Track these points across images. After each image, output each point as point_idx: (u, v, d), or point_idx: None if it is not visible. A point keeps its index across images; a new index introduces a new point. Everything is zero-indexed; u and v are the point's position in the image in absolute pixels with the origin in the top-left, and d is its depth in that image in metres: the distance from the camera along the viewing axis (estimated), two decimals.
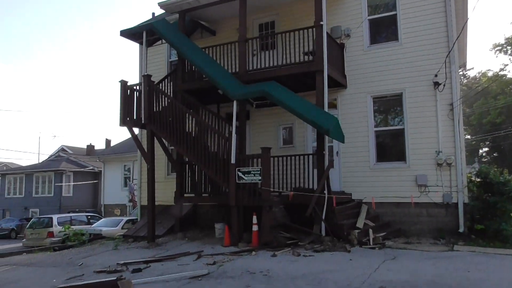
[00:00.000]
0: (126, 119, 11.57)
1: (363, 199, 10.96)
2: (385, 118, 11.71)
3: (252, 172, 9.42)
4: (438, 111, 10.58)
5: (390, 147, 11.51)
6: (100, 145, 40.46)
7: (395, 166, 10.98)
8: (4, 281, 8.22)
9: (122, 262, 8.66)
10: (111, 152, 31.23)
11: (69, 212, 25.16)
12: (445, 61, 10.42)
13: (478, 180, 10.82)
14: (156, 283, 6.79)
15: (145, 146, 11.71)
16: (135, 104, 11.69)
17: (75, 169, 33.60)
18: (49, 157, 37.99)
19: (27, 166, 37.57)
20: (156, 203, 13.28)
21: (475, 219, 10.53)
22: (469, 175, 11.86)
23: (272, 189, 9.89)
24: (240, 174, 9.57)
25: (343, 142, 9.96)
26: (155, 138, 11.61)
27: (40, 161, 39.80)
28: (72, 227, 16.56)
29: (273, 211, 9.26)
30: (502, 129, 30.86)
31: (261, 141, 12.35)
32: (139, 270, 7.88)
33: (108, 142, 37.45)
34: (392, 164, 11.06)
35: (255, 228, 9.47)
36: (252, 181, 9.47)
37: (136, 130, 13.70)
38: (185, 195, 11.94)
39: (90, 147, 39.32)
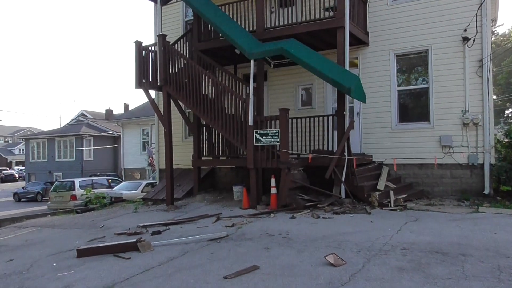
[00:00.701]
0: (142, 81, 11.40)
1: (384, 161, 10.70)
2: (408, 77, 11.20)
3: (270, 134, 9.22)
4: (466, 69, 10.03)
5: (413, 107, 11.07)
6: (119, 110, 40.82)
7: (418, 126, 10.60)
8: (30, 242, 8.44)
9: (142, 224, 8.74)
10: (129, 116, 31.42)
11: (90, 176, 25.74)
12: (476, 13, 9.74)
13: (506, 140, 10.38)
14: (175, 245, 6.81)
15: (161, 109, 11.58)
16: (150, 65, 11.48)
17: (94, 133, 34.08)
18: (69, 122, 38.52)
19: (48, 131, 38.31)
20: (174, 167, 13.33)
21: (501, 180, 10.22)
22: (495, 136, 11.40)
23: (290, 151, 9.71)
24: (257, 136, 9.38)
25: (364, 102, 9.59)
26: (171, 100, 11.44)
27: (61, 126, 40.46)
28: (93, 190, 16.87)
29: (291, 173, 9.11)
30: None
31: (279, 102, 12.07)
32: (159, 232, 7.93)
33: (126, 106, 37.63)
34: (415, 125, 10.68)
35: (273, 190, 9.38)
36: (270, 143, 9.28)
37: (152, 94, 13.59)
38: (203, 158, 11.92)
39: (109, 112, 39.64)
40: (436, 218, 7.76)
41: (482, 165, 9.83)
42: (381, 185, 9.57)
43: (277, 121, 9.36)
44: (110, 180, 21.37)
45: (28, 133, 47.80)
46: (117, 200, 16.28)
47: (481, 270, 4.72)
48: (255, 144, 9.45)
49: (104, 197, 16.24)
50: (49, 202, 19.43)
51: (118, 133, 32.94)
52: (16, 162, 65.00)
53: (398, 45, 10.84)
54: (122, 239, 7.75)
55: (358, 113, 11.23)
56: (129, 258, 6.16)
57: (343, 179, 9.31)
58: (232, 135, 9.90)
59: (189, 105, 10.71)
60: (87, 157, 33.39)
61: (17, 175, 53.97)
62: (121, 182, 21.07)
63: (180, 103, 11.66)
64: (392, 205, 8.85)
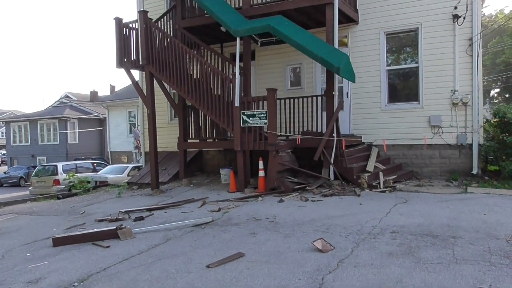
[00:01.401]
0: (123, 60, 10.96)
1: (373, 142, 10.55)
2: (398, 56, 10.95)
3: (257, 115, 8.94)
4: (456, 47, 9.81)
5: (403, 88, 10.87)
6: (105, 92, 39.87)
7: (408, 107, 10.42)
8: (5, 230, 8.10)
9: (124, 210, 8.48)
10: (115, 97, 30.73)
11: (75, 160, 25.24)
12: None
13: (495, 119, 10.27)
14: (157, 231, 6.57)
15: (145, 90, 11.17)
16: (132, 44, 11.00)
17: (79, 116, 33.31)
18: (52, 104, 37.58)
19: (30, 113, 37.32)
20: (160, 149, 13.03)
21: (489, 160, 10.19)
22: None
23: (279, 133, 9.47)
24: (244, 117, 9.10)
25: (354, 81, 9.34)
26: (155, 81, 11.04)
27: (45, 108, 39.49)
28: (77, 174, 16.48)
29: (280, 155, 8.89)
30: None
31: (267, 83, 11.75)
32: (141, 218, 7.68)
33: (112, 88, 36.75)
34: (405, 105, 10.50)
35: (261, 173, 9.17)
36: (258, 125, 9.01)
37: (136, 74, 13.14)
38: (189, 140, 11.61)
39: (94, 93, 38.72)
40: (425, 199, 7.65)
41: (471, 145, 9.73)
42: (370, 166, 9.42)
43: (265, 102, 9.07)
44: (95, 164, 20.93)
45: (11, 115, 46.63)
46: (102, 184, 15.95)
47: (472, 253, 4.60)
48: (242, 125, 9.17)
49: (88, 182, 15.91)
50: (31, 188, 18.98)
51: (103, 116, 32.26)
52: (0, 146, 63.66)
53: (388, 23, 10.55)
54: (102, 226, 7.48)
55: (347, 93, 10.99)
56: (108, 247, 5.91)
57: (332, 161, 9.13)
58: (218, 116, 9.59)
59: (173, 86, 10.33)
60: (71, 140, 32.71)
61: None
62: (107, 165, 20.68)
63: (164, 83, 11.26)
64: (382, 187, 8.72)
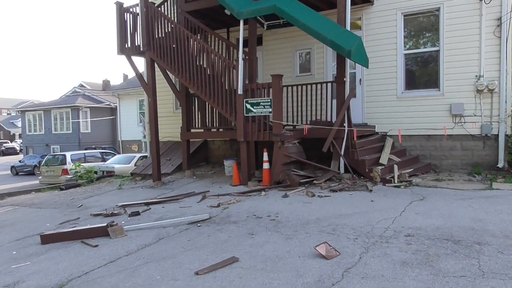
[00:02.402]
0: (124, 46, 10.46)
1: (388, 132, 9.83)
2: (416, 39, 10.10)
3: (261, 103, 8.31)
4: (482, 28, 8.94)
5: (422, 73, 10.06)
6: (119, 81, 39.65)
7: (427, 94, 9.63)
8: (1, 224, 7.75)
9: (122, 204, 8.04)
10: (126, 86, 30.41)
11: (85, 149, 25.08)
12: None
13: None
14: (151, 229, 6.08)
15: (146, 78, 10.63)
16: (133, 29, 10.45)
17: (91, 105, 33.17)
18: (66, 93, 37.59)
19: (44, 102, 37.42)
20: (165, 139, 12.60)
21: None
22: None
23: (285, 123, 8.85)
24: (248, 106, 8.48)
25: (366, 66, 8.60)
26: (158, 68, 10.49)
27: (58, 98, 39.59)
28: (83, 164, 16.18)
29: (285, 146, 8.27)
30: None
31: (275, 69, 11.08)
32: (137, 213, 7.21)
33: (125, 76, 36.56)
34: (423, 92, 9.70)
35: (266, 165, 8.58)
36: (262, 114, 8.39)
37: (142, 64, 12.59)
38: (193, 130, 11.07)
39: (106, 82, 38.58)
40: (445, 196, 6.94)
41: (497, 135, 8.92)
42: (384, 158, 8.72)
43: (271, 90, 8.43)
44: (104, 153, 20.64)
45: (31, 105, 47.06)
46: (109, 174, 15.62)
47: (501, 264, 3.93)
48: (245, 114, 8.56)
49: (95, 172, 15.60)
50: (40, 177, 18.81)
51: (115, 104, 32.04)
52: (19, 135, 64.57)
53: (406, 3, 9.72)
54: (97, 221, 7.09)
55: (360, 80, 10.25)
56: (97, 246, 5.46)
57: (342, 153, 8.47)
58: (221, 105, 9.00)
59: (174, 72, 9.76)
60: (84, 129, 32.64)
61: (18, 148, 53.51)
62: (116, 155, 20.37)
63: (167, 71, 10.70)
64: (396, 181, 8.03)
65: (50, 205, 9.28)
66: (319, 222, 5.70)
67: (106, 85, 38.06)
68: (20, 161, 31.03)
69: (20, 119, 66.33)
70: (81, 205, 8.70)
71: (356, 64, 9.80)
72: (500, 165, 8.82)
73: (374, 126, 10.00)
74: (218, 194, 8.10)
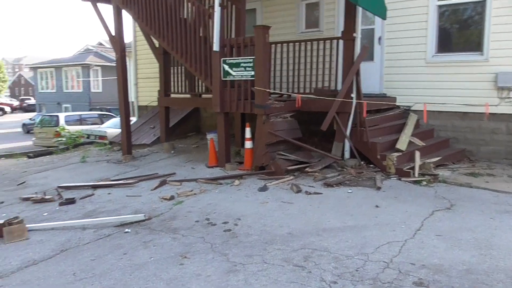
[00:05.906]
0: None
1: (412, 106, 7.73)
2: None
3: (242, 64, 6.34)
4: None
5: (459, 32, 7.73)
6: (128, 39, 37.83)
7: (465, 59, 7.37)
8: None
9: (65, 185, 6.48)
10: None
11: (90, 110, 23.80)
12: None
13: None
14: (65, 230, 4.47)
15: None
16: None
17: (102, 63, 31.63)
18: (79, 51, 36.22)
19: (55, 59, 36.19)
20: (154, 103, 11.08)
21: None
22: None
23: (273, 91, 6.91)
24: (225, 67, 6.53)
25: (383, 18, 6.46)
26: (127, 19, 8.60)
27: (70, 56, 38.31)
28: (67, 128, 14.77)
29: (271, 122, 6.36)
30: None
31: (276, 23, 8.94)
32: (72, 201, 5.62)
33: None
34: (460, 56, 7.44)
35: (248, 144, 6.75)
36: (242, 78, 6.44)
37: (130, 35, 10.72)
38: (177, 95, 9.27)
39: None
40: (483, 203, 4.91)
41: None
42: (403, 142, 6.68)
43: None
44: (103, 116, 19.19)
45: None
46: (102, 138, 14.17)
47: None
48: (222, 78, 6.64)
49: (87, 136, 14.20)
50: (34, 138, 17.62)
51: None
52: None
53: None
54: (24, 207, 5.60)
55: (380, 38, 8.05)
56: None
57: (347, 133, 6.50)
58: (194, 65, 7.06)
59: (142, 24, 7.83)
60: (95, 88, 31.34)
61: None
62: (114, 117, 18.86)
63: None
64: (417, 174, 6.04)
65: None
66: (289, 241, 3.88)
67: None
68: (30, 119, 30.24)
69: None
70: (24, 182, 7.20)
71: (376, 17, 7.62)
72: None
73: (395, 98, 7.90)
74: (183, 178, 6.36)
